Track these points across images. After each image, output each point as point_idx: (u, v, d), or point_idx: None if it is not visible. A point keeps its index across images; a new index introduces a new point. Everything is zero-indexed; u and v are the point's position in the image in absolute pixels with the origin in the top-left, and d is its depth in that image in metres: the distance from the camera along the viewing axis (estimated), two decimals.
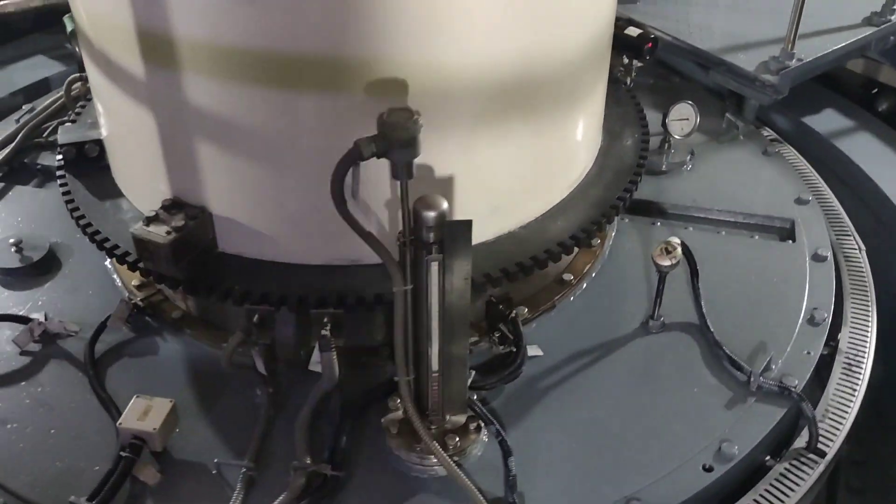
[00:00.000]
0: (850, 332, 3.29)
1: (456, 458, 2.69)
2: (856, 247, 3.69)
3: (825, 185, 4.04)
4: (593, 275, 3.43)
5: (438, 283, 2.40)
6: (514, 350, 3.00)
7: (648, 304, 3.24)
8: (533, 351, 3.09)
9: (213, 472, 2.71)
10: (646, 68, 4.62)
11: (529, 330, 3.19)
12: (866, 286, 3.50)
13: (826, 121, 4.60)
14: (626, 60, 4.39)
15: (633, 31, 4.33)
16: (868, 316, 3.36)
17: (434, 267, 2.37)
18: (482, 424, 2.77)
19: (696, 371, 3.03)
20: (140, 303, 3.22)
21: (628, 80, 4.42)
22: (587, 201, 3.18)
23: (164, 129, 2.77)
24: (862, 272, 3.57)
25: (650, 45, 4.26)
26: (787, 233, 3.65)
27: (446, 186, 2.78)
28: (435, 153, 2.70)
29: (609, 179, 3.28)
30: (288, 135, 2.65)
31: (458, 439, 2.70)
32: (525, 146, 2.89)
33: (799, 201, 3.79)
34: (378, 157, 2.20)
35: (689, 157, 4.03)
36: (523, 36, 2.62)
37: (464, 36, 2.53)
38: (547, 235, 3.03)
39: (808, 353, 3.09)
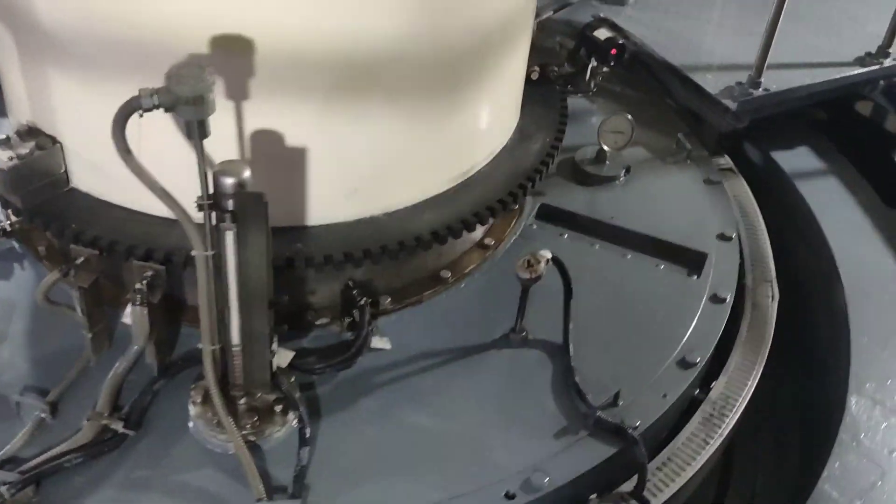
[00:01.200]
0: (726, 383, 3.09)
1: (253, 438, 2.60)
2: (769, 295, 3.47)
3: (762, 225, 3.80)
4: (475, 275, 3.29)
5: (235, 253, 2.30)
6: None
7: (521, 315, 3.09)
8: (380, 343, 2.97)
9: (13, 407, 2.66)
10: (622, 75, 4.44)
11: (388, 321, 3.08)
12: (763, 338, 3.28)
13: (797, 160, 4.34)
14: (592, 63, 4.22)
15: (602, 34, 4.15)
16: (752, 370, 3.15)
17: (229, 236, 2.27)
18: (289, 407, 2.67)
19: (540, 394, 2.88)
20: (8, 227, 3.18)
21: (591, 84, 4.26)
22: (467, 199, 3.03)
23: (19, 49, 2.70)
24: (765, 323, 3.35)
25: (614, 51, 4.08)
26: (696, 267, 3.44)
27: (297, 157, 2.68)
28: (286, 121, 2.61)
29: (499, 180, 3.13)
30: (132, 80, 2.55)
31: (256, 418, 2.61)
32: (388, 130, 2.76)
33: (721, 237, 3.58)
34: (166, 111, 2.09)
35: (622, 172, 3.83)
36: (377, 14, 2.48)
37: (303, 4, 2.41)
38: (410, 226, 2.90)
39: (665, 395, 2.91)
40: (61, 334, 2.86)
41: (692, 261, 3.48)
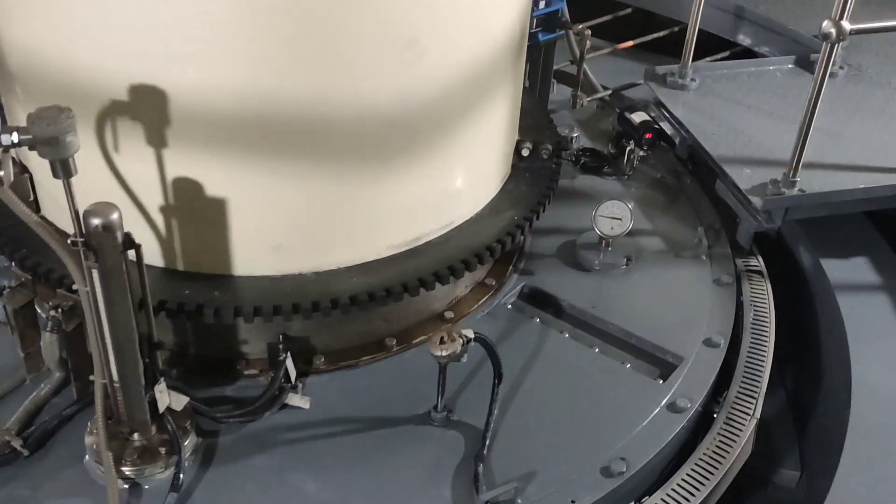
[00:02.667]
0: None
1: (131, 476, 2.65)
2: (748, 412, 3.15)
3: (770, 335, 3.47)
4: (423, 347, 3.19)
5: (101, 292, 2.38)
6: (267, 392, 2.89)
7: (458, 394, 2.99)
8: (298, 402, 2.96)
9: None
10: (672, 162, 4.26)
11: (319, 381, 3.06)
12: (725, 455, 2.98)
13: (849, 271, 3.93)
14: (629, 146, 4.09)
15: (638, 117, 4.02)
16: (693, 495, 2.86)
17: (95, 275, 2.35)
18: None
19: (438, 479, 2.75)
20: None
21: (628, 168, 4.12)
22: (403, 268, 2.98)
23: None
24: (733, 440, 3.04)
25: (649, 135, 3.93)
26: (668, 371, 3.19)
27: (218, 208, 2.75)
28: (204, 172, 2.69)
29: (446, 254, 3.06)
30: None
31: (136, 456, 2.65)
32: (311, 191, 2.78)
33: (708, 342, 3.30)
34: (30, 149, 2.21)
35: (624, 261, 3.63)
36: (275, 75, 2.52)
37: (214, 61, 2.49)
38: (332, 288, 2.88)
39: (573, 501, 2.70)
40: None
41: (664, 363, 3.24)
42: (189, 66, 2.50)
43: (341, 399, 3.01)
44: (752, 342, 3.43)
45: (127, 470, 2.65)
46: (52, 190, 2.96)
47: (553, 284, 3.53)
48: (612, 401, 3.05)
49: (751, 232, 3.85)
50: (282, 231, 2.83)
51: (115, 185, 2.75)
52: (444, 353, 2.74)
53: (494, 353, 2.93)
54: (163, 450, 2.69)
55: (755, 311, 3.59)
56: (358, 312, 2.91)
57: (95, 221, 2.29)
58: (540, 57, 4.46)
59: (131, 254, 2.37)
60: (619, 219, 3.54)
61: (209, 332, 2.98)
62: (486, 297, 3.43)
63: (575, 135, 4.33)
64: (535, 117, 3.76)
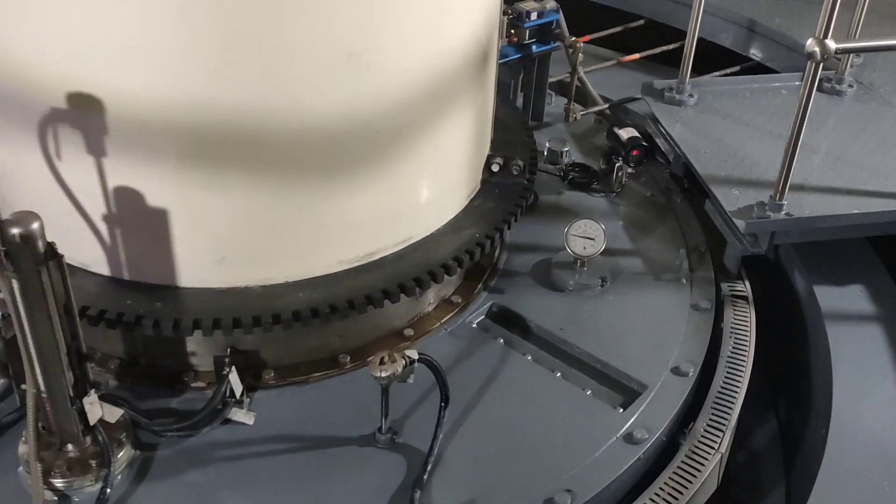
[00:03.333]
0: None
1: (61, 487, 2.61)
2: (714, 446, 3.01)
3: (748, 363, 3.32)
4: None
5: (21, 301, 2.34)
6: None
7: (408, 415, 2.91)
8: (242, 417, 2.90)
9: None
10: (664, 178, 4.13)
11: (269, 396, 3.00)
12: (681, 494, 2.85)
13: (842, 301, 3.75)
14: (616, 163, 3.97)
15: (626, 133, 3.90)
16: None
17: (14, 284, 2.32)
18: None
19: (375, 498, 2.67)
20: None
21: (615, 185, 4.01)
22: (352, 284, 2.91)
23: None
24: (694, 474, 2.91)
25: (636, 151, 3.81)
26: (630, 399, 3.07)
27: (159, 218, 2.70)
28: (144, 182, 2.65)
29: (399, 270, 2.97)
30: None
31: (66, 467, 2.62)
32: (253, 204, 2.71)
33: (676, 371, 3.17)
34: None
35: (599, 282, 3.51)
36: (206, 86, 2.46)
37: (147, 69, 2.44)
38: (276, 303, 2.82)
39: None
40: None
41: (628, 391, 3.11)
42: (124, 74, 2.47)
43: (288, 416, 2.94)
44: (727, 373, 3.28)
45: (57, 482, 2.62)
46: None
47: (522, 304, 3.43)
48: (566, 429, 2.94)
49: (737, 256, 3.70)
50: (225, 243, 2.78)
51: (59, 193, 2.73)
52: (384, 375, 2.66)
53: (441, 376, 2.84)
54: (94, 462, 2.65)
55: (735, 339, 3.43)
56: (311, 328, 2.85)
57: (14, 231, 2.25)
58: (534, 68, 4.36)
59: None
60: (592, 238, 3.43)
61: (158, 343, 2.94)
62: (451, 314, 3.34)
63: (566, 149, 4.23)
64: (511, 132, 3.66)
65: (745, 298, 3.64)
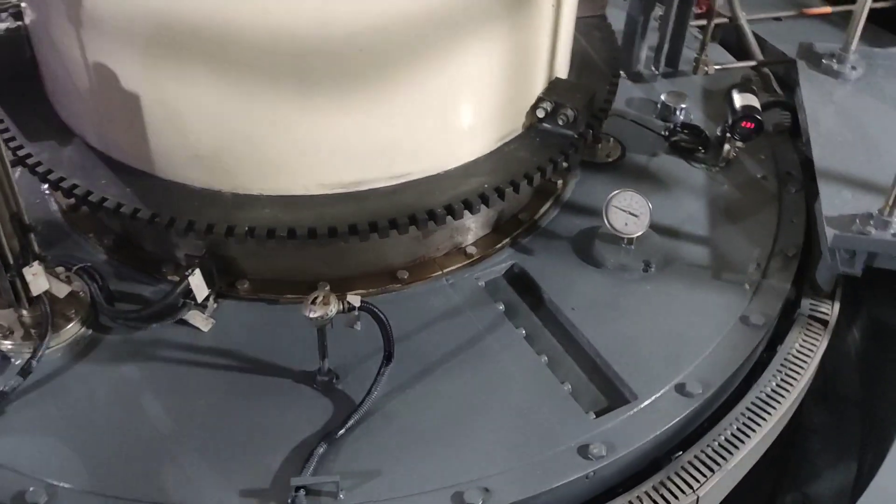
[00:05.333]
0: None
1: (4, 348, 2.68)
2: (690, 487, 2.55)
3: (783, 404, 2.78)
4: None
5: None
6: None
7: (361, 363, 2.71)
8: (197, 321, 2.82)
9: None
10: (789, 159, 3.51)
11: (237, 307, 2.92)
12: None
13: None
14: (718, 132, 3.43)
15: (742, 99, 3.33)
16: None
17: None
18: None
19: (280, 444, 2.49)
20: None
21: (720, 160, 3.45)
22: (313, 212, 2.71)
23: None
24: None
25: (749, 124, 3.25)
26: (613, 408, 2.66)
27: (133, 103, 2.64)
28: (115, 62, 2.62)
29: (372, 209, 2.72)
30: None
31: (11, 331, 2.68)
32: (222, 104, 2.57)
33: (681, 389, 2.69)
34: None
35: (642, 266, 3.04)
36: None
37: None
38: (236, 214, 2.69)
39: None
40: None
41: (614, 397, 2.70)
42: None
43: (244, 332, 2.82)
44: (751, 406, 2.75)
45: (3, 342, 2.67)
46: None
47: (545, 272, 3.04)
48: (522, 423, 2.59)
49: (830, 272, 3.06)
50: (198, 141, 2.64)
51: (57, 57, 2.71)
52: (313, 316, 2.46)
53: (386, 330, 2.59)
54: (34, 332, 2.68)
55: (786, 369, 2.87)
56: (288, 246, 2.68)
57: None
58: (673, 3, 3.76)
59: None
60: (636, 215, 2.95)
61: (142, 228, 2.89)
62: (460, 265, 3.03)
63: (682, 105, 3.66)
64: (593, 74, 3.20)
65: (823, 323, 3.02)
